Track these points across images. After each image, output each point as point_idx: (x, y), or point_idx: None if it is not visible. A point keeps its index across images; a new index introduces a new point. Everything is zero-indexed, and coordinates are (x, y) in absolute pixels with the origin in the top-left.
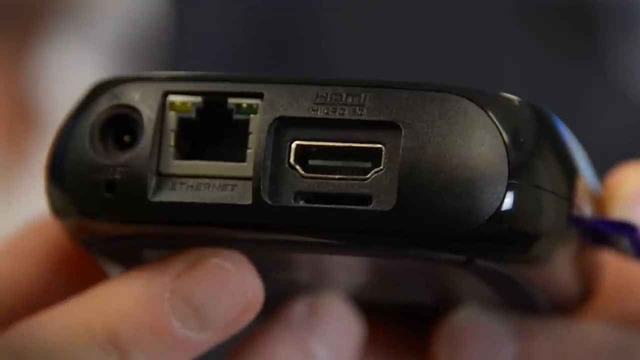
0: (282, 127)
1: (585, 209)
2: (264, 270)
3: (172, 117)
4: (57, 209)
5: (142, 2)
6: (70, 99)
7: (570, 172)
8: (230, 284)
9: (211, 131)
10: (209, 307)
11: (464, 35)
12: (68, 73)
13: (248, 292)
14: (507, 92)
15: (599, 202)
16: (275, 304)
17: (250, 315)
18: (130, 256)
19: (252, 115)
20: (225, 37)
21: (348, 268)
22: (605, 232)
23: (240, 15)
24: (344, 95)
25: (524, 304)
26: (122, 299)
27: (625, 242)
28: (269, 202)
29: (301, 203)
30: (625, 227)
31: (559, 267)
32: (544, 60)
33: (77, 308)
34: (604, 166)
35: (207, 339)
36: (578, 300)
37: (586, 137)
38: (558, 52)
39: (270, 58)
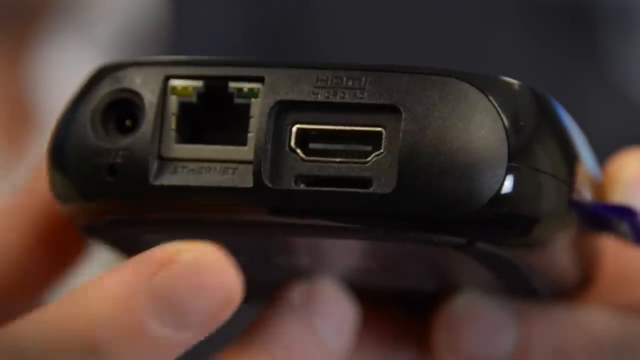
0: (283, 110)
1: (585, 194)
2: (263, 256)
3: (173, 101)
4: (59, 194)
5: (142, 2)
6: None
7: (570, 156)
8: (208, 280)
9: (212, 115)
10: (186, 305)
11: (463, 35)
12: (67, 73)
13: (225, 287)
14: None
15: (599, 188)
16: (275, 290)
17: (230, 311)
18: (132, 242)
19: (253, 99)
20: (224, 38)
21: (348, 253)
22: (605, 216)
23: (240, 15)
24: (345, 78)
25: (524, 289)
26: (98, 301)
27: (625, 226)
28: (270, 185)
29: (302, 186)
30: (625, 212)
31: (559, 252)
32: (543, 60)
33: (53, 315)
34: (602, 165)
35: (187, 338)
36: (577, 286)
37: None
38: (556, 52)
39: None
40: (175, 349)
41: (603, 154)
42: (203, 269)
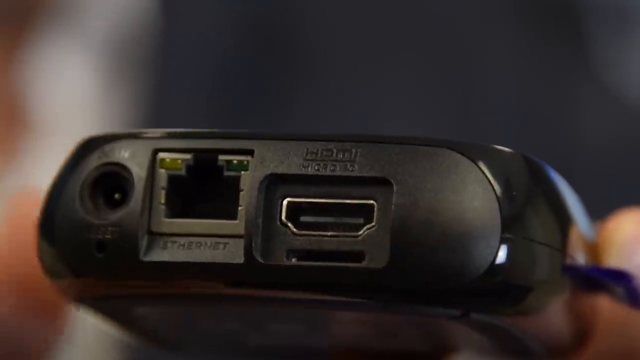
0: (273, 184)
1: (580, 257)
2: (256, 323)
3: (162, 174)
4: (49, 268)
5: (134, 2)
6: (63, 99)
7: (563, 221)
8: None
9: (202, 188)
10: None
11: (458, 34)
12: (61, 73)
13: None
14: (497, 94)
15: (594, 248)
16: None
17: None
18: (122, 313)
19: (243, 172)
20: (216, 37)
21: (342, 322)
22: (600, 280)
23: (232, 15)
24: (335, 151)
25: (519, 349)
26: None
27: (620, 290)
28: (261, 260)
29: (294, 261)
30: (620, 276)
31: (553, 315)
32: (543, 60)
33: None
34: (592, 165)
35: None
36: (574, 345)
37: (575, 135)
38: (549, 51)
39: (261, 59)
40: None
41: (596, 154)
42: None
